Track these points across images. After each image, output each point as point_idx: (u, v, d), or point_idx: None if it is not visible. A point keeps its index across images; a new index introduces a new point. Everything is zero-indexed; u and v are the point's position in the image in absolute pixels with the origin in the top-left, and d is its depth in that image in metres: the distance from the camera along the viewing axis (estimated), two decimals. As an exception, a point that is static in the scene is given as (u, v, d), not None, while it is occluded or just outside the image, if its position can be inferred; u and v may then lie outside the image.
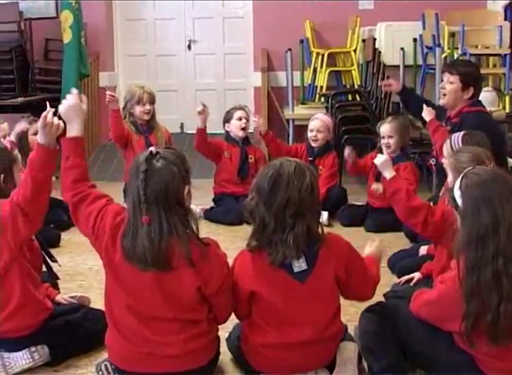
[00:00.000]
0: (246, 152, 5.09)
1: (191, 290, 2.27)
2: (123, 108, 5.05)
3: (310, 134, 5.02)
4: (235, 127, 5.07)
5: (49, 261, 3.06)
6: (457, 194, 2.28)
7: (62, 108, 2.47)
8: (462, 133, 3.45)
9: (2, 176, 2.65)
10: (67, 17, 6.43)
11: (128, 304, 2.29)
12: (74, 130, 2.45)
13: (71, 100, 2.48)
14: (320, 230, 2.37)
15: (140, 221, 2.21)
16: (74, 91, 2.60)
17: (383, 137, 4.71)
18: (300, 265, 2.32)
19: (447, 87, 4.19)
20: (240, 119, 5.05)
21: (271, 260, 2.31)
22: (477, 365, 2.31)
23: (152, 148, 2.27)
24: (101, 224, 2.30)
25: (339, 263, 2.39)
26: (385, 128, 4.70)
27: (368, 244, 2.76)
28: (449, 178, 2.64)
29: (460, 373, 2.33)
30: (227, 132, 5.15)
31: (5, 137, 4.31)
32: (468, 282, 2.18)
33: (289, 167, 2.30)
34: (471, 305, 2.17)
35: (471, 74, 4.20)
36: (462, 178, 2.29)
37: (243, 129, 5.07)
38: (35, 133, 4.66)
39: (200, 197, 4.91)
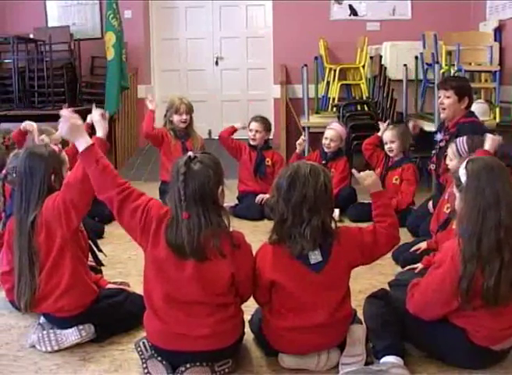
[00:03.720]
0: (262, 155, 5.08)
1: (225, 277, 2.27)
2: (164, 116, 5.09)
3: (324, 141, 5.04)
4: (249, 137, 5.09)
5: (96, 250, 3.09)
6: (462, 172, 2.30)
7: (61, 132, 2.39)
8: (465, 137, 3.43)
9: (53, 176, 2.67)
10: (110, 37, 6.49)
11: (167, 292, 2.28)
12: (84, 143, 2.34)
13: (65, 122, 2.36)
14: (334, 225, 2.36)
15: (180, 216, 2.22)
16: (63, 112, 2.43)
17: (386, 143, 4.70)
18: (316, 257, 2.31)
19: (445, 101, 4.18)
20: (251, 130, 5.05)
21: (290, 252, 2.30)
22: (469, 338, 2.30)
23: (191, 153, 2.27)
24: (148, 216, 2.29)
25: (354, 253, 2.37)
26: (388, 134, 4.69)
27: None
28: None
29: (453, 347, 2.34)
30: None
31: (56, 145, 4.31)
32: (468, 247, 2.19)
33: (306, 168, 2.30)
34: (469, 267, 2.17)
35: (463, 87, 4.23)
36: (468, 162, 2.32)
37: (253, 140, 5.06)
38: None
39: (225, 195, 4.94)
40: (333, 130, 5.03)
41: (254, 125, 5.06)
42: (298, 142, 4.94)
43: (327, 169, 2.43)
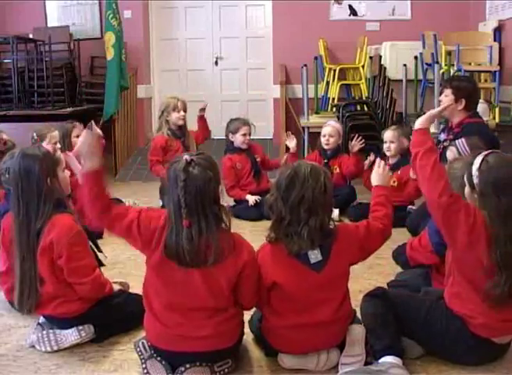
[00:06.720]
0: (252, 155, 5.09)
1: (231, 278, 2.26)
2: (159, 118, 5.09)
3: (323, 139, 5.06)
4: (239, 141, 5.02)
5: (96, 251, 3.08)
6: (475, 174, 2.24)
7: (79, 147, 2.38)
8: (463, 139, 3.41)
9: (49, 178, 2.64)
10: (110, 37, 6.50)
11: (172, 300, 2.26)
12: (93, 164, 2.29)
13: (86, 137, 2.32)
14: (333, 225, 2.35)
15: (180, 224, 2.18)
16: (93, 129, 2.47)
17: (385, 142, 4.74)
18: (316, 256, 2.30)
19: (443, 99, 4.18)
20: (245, 135, 5.01)
21: (288, 250, 2.30)
22: (468, 328, 2.30)
23: (187, 157, 2.20)
24: (148, 230, 2.25)
25: (353, 250, 2.36)
26: (388, 134, 4.73)
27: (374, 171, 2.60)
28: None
29: (452, 339, 2.33)
30: (231, 142, 5.06)
31: (55, 144, 4.32)
32: (501, 251, 2.15)
33: (306, 168, 2.28)
34: (506, 273, 2.15)
35: (462, 88, 4.14)
36: (482, 161, 2.24)
37: (247, 143, 5.05)
38: (77, 136, 4.68)
39: (224, 195, 4.95)
40: (330, 126, 5.06)
41: (247, 130, 5.01)
42: (290, 145, 4.98)
43: (327, 170, 2.42)
